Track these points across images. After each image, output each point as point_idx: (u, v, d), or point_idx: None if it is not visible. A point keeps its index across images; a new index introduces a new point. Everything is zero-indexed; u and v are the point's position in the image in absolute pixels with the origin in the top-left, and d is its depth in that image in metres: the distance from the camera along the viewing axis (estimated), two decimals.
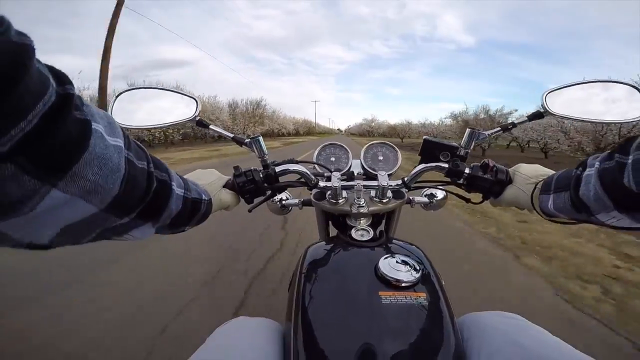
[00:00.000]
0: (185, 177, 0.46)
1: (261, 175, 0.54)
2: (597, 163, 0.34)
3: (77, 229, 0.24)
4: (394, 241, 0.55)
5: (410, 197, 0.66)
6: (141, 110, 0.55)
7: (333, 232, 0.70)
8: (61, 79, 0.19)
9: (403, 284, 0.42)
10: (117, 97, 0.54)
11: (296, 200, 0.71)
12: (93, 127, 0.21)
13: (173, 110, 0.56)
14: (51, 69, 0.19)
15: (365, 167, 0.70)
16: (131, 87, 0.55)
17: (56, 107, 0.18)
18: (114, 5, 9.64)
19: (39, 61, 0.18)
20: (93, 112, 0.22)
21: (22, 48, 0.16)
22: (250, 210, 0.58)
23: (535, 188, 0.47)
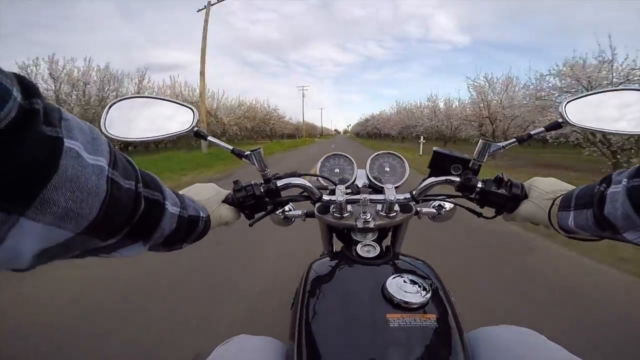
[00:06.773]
0: (182, 192, 0.43)
1: (262, 190, 0.51)
2: (625, 180, 0.32)
3: (55, 252, 0.22)
4: (400, 257, 0.53)
5: (418, 209, 0.63)
6: (136, 122, 0.52)
7: (337, 244, 0.68)
8: (29, 90, 0.17)
9: (412, 306, 0.40)
10: (110, 106, 0.50)
11: (299, 212, 0.69)
12: (66, 145, 0.18)
13: (169, 121, 0.53)
14: (20, 79, 0.17)
15: (372, 179, 0.67)
16: (126, 97, 0.52)
17: (18, 122, 0.16)
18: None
19: (1, 70, 0.15)
20: (72, 126, 0.20)
21: None
22: (251, 225, 0.56)
23: (553, 204, 0.44)
